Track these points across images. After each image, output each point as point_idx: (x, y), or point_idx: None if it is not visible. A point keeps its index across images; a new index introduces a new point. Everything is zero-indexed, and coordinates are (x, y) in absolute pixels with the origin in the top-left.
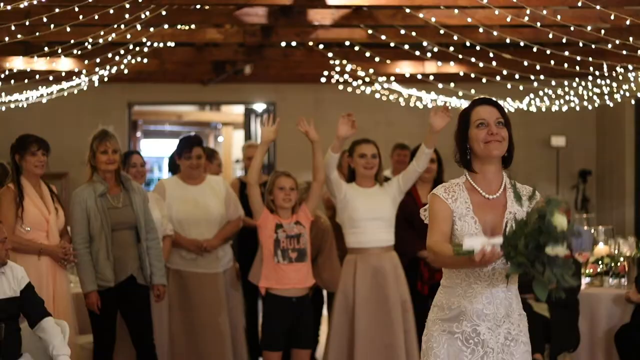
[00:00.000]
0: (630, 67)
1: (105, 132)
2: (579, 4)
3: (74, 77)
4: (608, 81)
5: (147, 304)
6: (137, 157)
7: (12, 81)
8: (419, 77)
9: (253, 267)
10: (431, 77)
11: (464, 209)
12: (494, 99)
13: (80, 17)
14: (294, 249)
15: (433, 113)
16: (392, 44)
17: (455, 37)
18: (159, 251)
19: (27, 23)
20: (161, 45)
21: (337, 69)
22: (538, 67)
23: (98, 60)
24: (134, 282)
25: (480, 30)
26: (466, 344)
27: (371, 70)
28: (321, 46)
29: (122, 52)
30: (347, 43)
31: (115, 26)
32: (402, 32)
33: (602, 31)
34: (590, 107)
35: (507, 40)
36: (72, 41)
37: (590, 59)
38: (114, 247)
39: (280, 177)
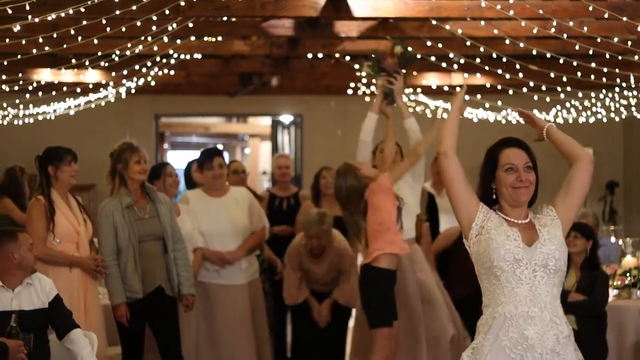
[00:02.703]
0: None
1: (132, 143)
2: (606, 15)
3: (101, 89)
4: (635, 92)
5: (175, 316)
6: (172, 168)
7: (40, 93)
8: (446, 88)
9: (287, 288)
10: (457, 89)
11: (497, 221)
12: (522, 140)
13: (108, 29)
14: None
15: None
16: (418, 56)
17: (482, 49)
18: (186, 261)
19: (54, 35)
20: (188, 57)
21: (364, 80)
22: (565, 79)
23: (125, 72)
24: (162, 293)
25: (507, 41)
26: (514, 351)
27: None
28: (348, 58)
29: (149, 64)
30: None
31: (142, 38)
32: (429, 43)
33: (629, 42)
34: (617, 119)
35: (534, 52)
36: (99, 53)
37: (617, 70)
38: (142, 259)
39: None
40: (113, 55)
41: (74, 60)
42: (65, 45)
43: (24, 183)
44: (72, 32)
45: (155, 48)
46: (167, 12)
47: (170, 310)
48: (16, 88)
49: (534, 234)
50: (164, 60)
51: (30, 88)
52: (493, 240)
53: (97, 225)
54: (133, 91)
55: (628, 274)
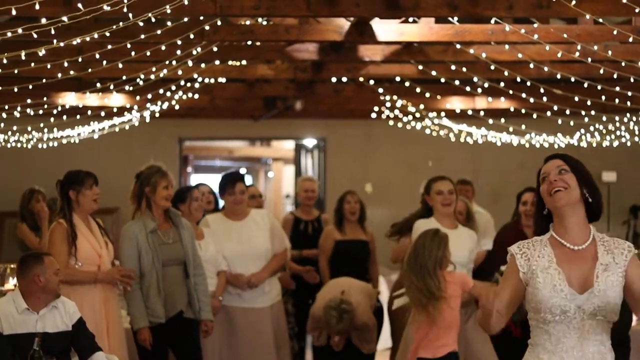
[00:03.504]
0: None
1: (160, 167)
2: (630, 39)
3: (125, 113)
4: None
5: (197, 339)
6: (198, 192)
7: (64, 117)
8: (470, 112)
9: (311, 322)
10: (482, 113)
11: (546, 261)
12: (563, 153)
13: (132, 53)
14: None
15: None
16: (442, 80)
17: (506, 73)
18: (205, 286)
19: (79, 59)
20: (212, 81)
21: (388, 104)
22: (589, 103)
23: (149, 96)
24: (183, 317)
25: (531, 65)
26: None
27: (422, 106)
28: (372, 82)
29: (173, 87)
30: (398, 79)
31: (167, 62)
32: (453, 67)
33: None
34: None
35: (558, 76)
36: (124, 77)
37: None
38: (165, 283)
39: None
40: (137, 79)
41: (98, 84)
42: (90, 70)
43: (33, 204)
44: (97, 56)
45: (180, 72)
46: (191, 36)
47: (192, 334)
48: (41, 112)
49: (590, 269)
50: (188, 84)
51: (54, 112)
52: (539, 291)
53: (120, 248)
54: (157, 115)
55: None
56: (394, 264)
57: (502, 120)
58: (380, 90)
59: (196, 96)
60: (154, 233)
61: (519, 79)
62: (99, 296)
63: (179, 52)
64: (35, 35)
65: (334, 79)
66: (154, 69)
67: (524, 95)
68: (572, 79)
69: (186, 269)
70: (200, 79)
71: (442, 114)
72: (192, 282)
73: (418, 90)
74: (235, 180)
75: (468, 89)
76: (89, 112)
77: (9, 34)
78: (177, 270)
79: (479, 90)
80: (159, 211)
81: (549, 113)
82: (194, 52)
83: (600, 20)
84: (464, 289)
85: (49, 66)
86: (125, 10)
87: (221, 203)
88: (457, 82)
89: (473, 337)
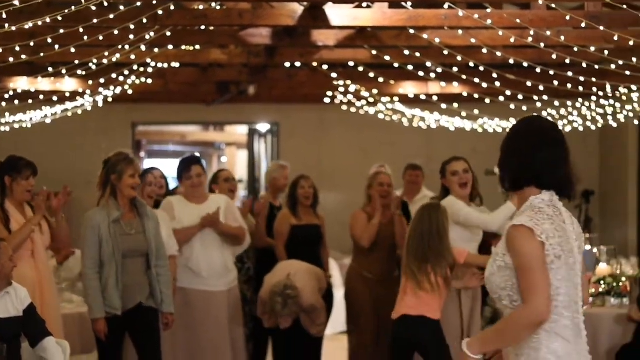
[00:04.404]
0: (633, 87)
1: (128, 154)
2: (583, 24)
3: (77, 98)
4: (611, 102)
5: (156, 330)
6: (152, 177)
7: (17, 101)
8: (423, 97)
9: (260, 306)
10: (435, 98)
11: None
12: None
13: (85, 37)
14: None
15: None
16: (395, 65)
17: (459, 58)
18: (168, 278)
19: (31, 44)
20: (165, 65)
21: (341, 89)
22: (541, 88)
23: (102, 80)
24: (142, 308)
25: (484, 50)
26: None
27: (375, 91)
28: (325, 67)
29: (126, 72)
30: (351, 63)
31: (120, 47)
32: (406, 52)
33: (606, 52)
34: (593, 128)
35: (511, 61)
36: (76, 62)
37: (594, 79)
38: (124, 275)
39: None
40: (90, 64)
41: (51, 69)
42: (42, 54)
43: None
44: (49, 40)
45: (133, 57)
46: (144, 20)
47: (152, 325)
48: None
49: None
50: (142, 69)
51: (6, 96)
52: None
53: (82, 235)
54: (110, 100)
55: (602, 282)
56: None
57: (455, 105)
58: (334, 75)
59: (149, 81)
60: (116, 223)
61: (472, 64)
62: (32, 275)
63: (131, 36)
64: None
65: (287, 64)
66: (106, 54)
67: (477, 80)
68: (525, 64)
69: (149, 260)
70: (153, 64)
71: (396, 98)
72: (154, 273)
73: (371, 75)
74: (191, 164)
75: (421, 73)
76: (41, 97)
77: None
78: (139, 261)
79: (432, 75)
80: (125, 200)
81: (501, 98)
82: (147, 37)
83: (553, 5)
84: (458, 261)
85: (0, 50)
86: None
87: (172, 187)
88: (410, 67)
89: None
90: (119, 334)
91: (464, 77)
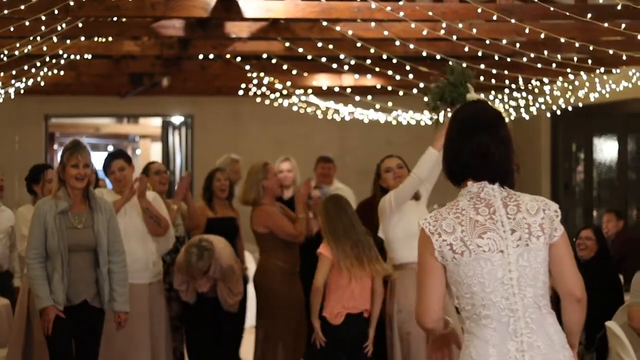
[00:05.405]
0: (545, 80)
1: (78, 143)
2: (495, 17)
3: None
4: (524, 94)
5: (97, 330)
6: (52, 172)
7: None
8: (336, 89)
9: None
10: (348, 90)
11: None
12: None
13: None
14: None
15: None
16: (309, 57)
17: (372, 50)
18: (123, 275)
19: None
20: (78, 57)
21: (255, 81)
22: None
23: (14, 72)
24: (87, 306)
25: (397, 43)
26: None
27: (289, 83)
28: (239, 59)
29: (38, 64)
30: (265, 56)
31: (31, 38)
32: (319, 44)
33: (517, 44)
34: (506, 120)
35: (424, 54)
36: None
37: (506, 72)
38: (70, 270)
39: None
40: (1, 55)
41: None
42: None
43: None
44: None
45: (45, 48)
46: (56, 12)
47: (94, 325)
48: None
49: None
50: (54, 61)
51: None
52: None
53: (30, 224)
54: (22, 92)
55: None
56: None
57: (369, 97)
58: (247, 67)
59: (61, 73)
60: (63, 214)
61: (385, 57)
62: None
63: (43, 27)
64: None
65: (200, 56)
66: (18, 45)
67: (390, 72)
68: (438, 57)
69: (97, 256)
70: (65, 55)
71: (309, 91)
72: (102, 271)
73: (285, 67)
74: (112, 159)
75: (335, 66)
76: None
77: None
78: (86, 257)
79: (346, 67)
80: (75, 191)
81: (415, 90)
82: (59, 28)
83: None
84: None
85: None
86: None
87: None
88: (323, 60)
89: None
90: (65, 326)
91: (377, 69)
